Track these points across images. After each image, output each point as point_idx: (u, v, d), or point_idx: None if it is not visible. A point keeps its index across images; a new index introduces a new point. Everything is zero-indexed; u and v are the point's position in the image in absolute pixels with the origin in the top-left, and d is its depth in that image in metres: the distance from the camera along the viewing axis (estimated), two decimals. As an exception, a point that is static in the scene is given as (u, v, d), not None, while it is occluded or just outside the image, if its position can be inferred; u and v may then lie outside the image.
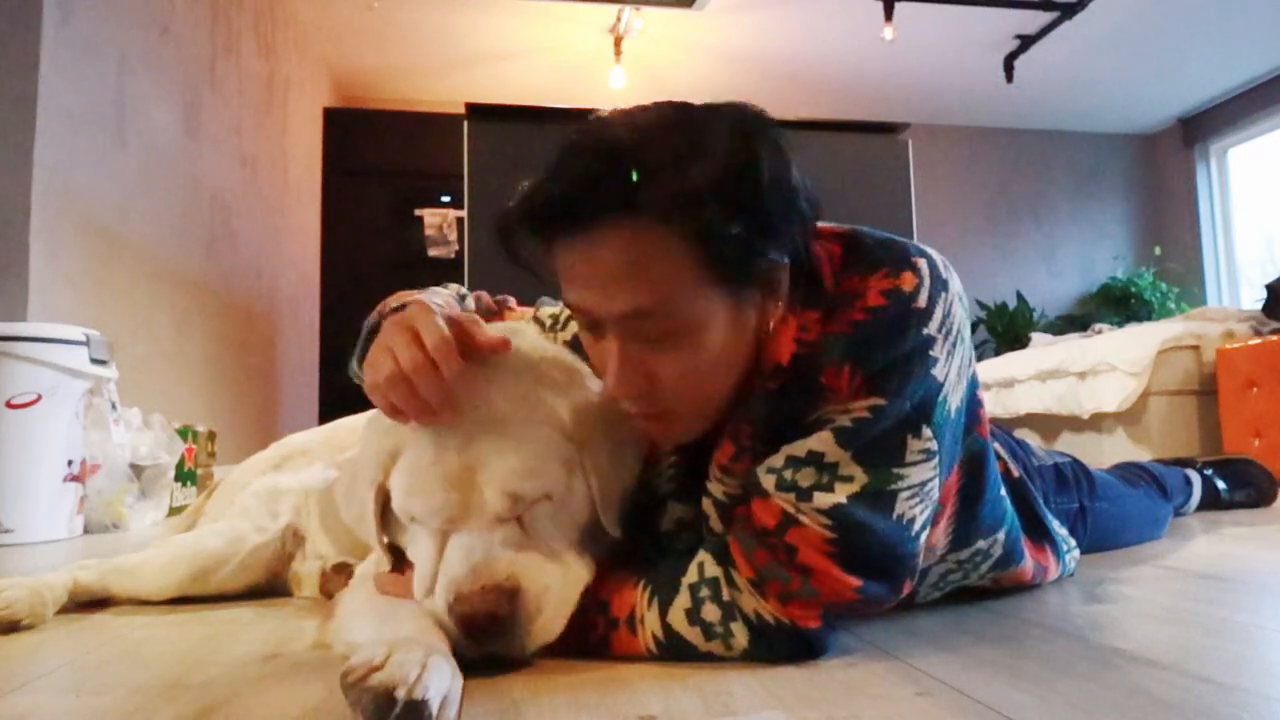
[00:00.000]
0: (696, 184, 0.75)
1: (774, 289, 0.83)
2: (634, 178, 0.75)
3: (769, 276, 0.82)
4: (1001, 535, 0.98)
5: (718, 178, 0.75)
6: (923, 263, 0.85)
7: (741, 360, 0.84)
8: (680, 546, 0.95)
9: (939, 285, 0.84)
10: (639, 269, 0.77)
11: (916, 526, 0.82)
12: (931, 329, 0.82)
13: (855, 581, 0.79)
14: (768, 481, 0.81)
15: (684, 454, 0.94)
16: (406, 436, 0.86)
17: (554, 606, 0.80)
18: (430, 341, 0.79)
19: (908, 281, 0.83)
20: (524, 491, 0.82)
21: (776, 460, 0.82)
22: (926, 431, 0.81)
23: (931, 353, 0.82)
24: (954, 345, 0.85)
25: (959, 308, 0.86)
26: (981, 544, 0.97)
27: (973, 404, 0.92)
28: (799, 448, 0.81)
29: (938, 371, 0.82)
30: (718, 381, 0.84)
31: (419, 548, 0.85)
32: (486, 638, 0.77)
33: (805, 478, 0.80)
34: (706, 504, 0.90)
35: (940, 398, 0.83)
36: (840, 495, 0.79)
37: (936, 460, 0.83)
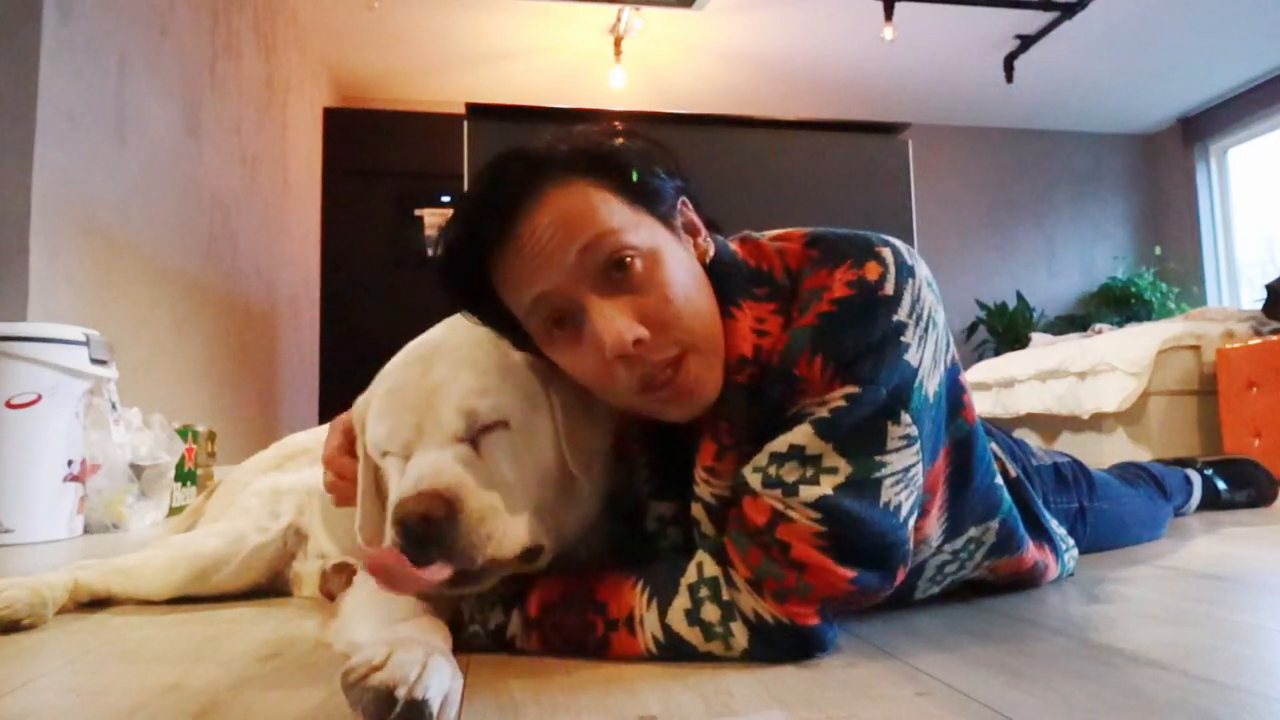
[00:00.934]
0: (589, 145, 0.87)
1: (691, 228, 0.91)
2: (541, 154, 0.85)
3: (678, 211, 0.90)
4: (995, 523, 0.99)
5: (598, 142, 0.88)
6: (886, 251, 0.86)
7: (705, 288, 0.88)
8: (665, 544, 0.95)
9: (905, 272, 0.85)
10: (582, 210, 0.83)
11: (904, 513, 0.83)
12: (901, 315, 0.83)
13: (849, 573, 0.79)
14: (754, 480, 0.82)
15: (656, 451, 0.95)
16: (381, 380, 0.90)
17: (500, 526, 0.80)
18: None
19: (872, 271, 0.84)
20: (479, 408, 0.83)
21: (760, 459, 0.83)
22: (905, 418, 0.82)
23: (903, 338, 0.83)
24: (926, 330, 0.85)
25: (928, 293, 0.87)
26: (974, 531, 0.98)
27: (954, 389, 0.93)
28: (780, 443, 0.82)
29: (911, 357, 0.83)
30: (699, 302, 0.86)
31: (391, 484, 0.86)
32: (425, 545, 0.76)
33: (790, 473, 0.80)
34: (696, 508, 0.90)
35: (916, 383, 0.83)
36: (826, 487, 0.79)
37: (918, 446, 0.83)
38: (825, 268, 0.87)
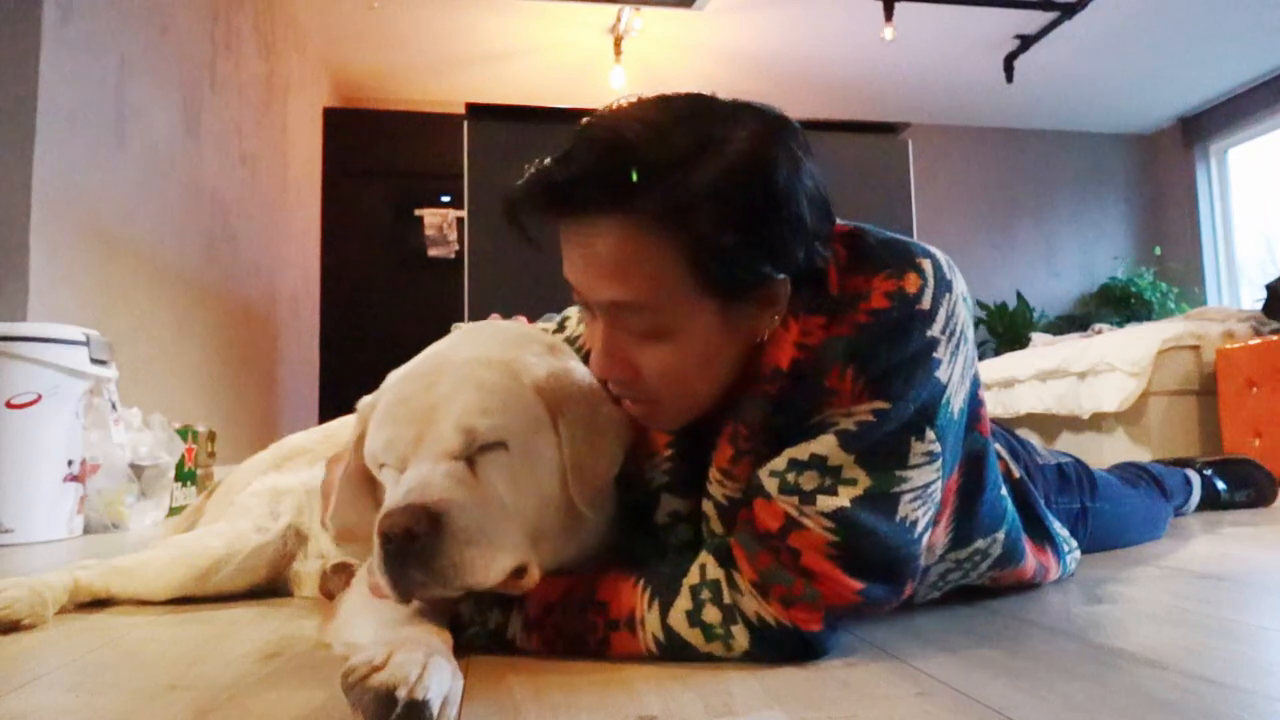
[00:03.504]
0: (695, 189, 0.75)
1: (771, 302, 0.82)
2: (633, 177, 0.75)
3: (765, 291, 0.81)
4: (1001, 535, 0.98)
5: (720, 185, 0.75)
6: (927, 264, 0.85)
7: (729, 365, 0.85)
8: (674, 540, 0.95)
9: (943, 286, 0.84)
10: (628, 265, 0.78)
11: (919, 529, 0.82)
12: (935, 331, 0.82)
13: (857, 584, 0.79)
14: (770, 484, 0.81)
15: (680, 446, 0.94)
16: (383, 391, 0.90)
17: (484, 551, 0.78)
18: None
19: (912, 283, 0.83)
20: (478, 427, 0.82)
21: (779, 463, 0.82)
22: (930, 434, 0.81)
23: (935, 355, 0.82)
24: (957, 347, 0.84)
25: (963, 309, 0.86)
26: (980, 543, 0.97)
27: (974, 403, 0.92)
28: (801, 451, 0.81)
29: (941, 374, 0.82)
30: (699, 383, 0.85)
31: (386, 498, 0.85)
32: (406, 561, 0.74)
33: (808, 481, 0.80)
34: (707, 505, 0.90)
35: (944, 400, 0.83)
36: (843, 499, 0.79)
37: (940, 462, 0.82)
38: (863, 274, 0.84)
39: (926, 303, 0.82)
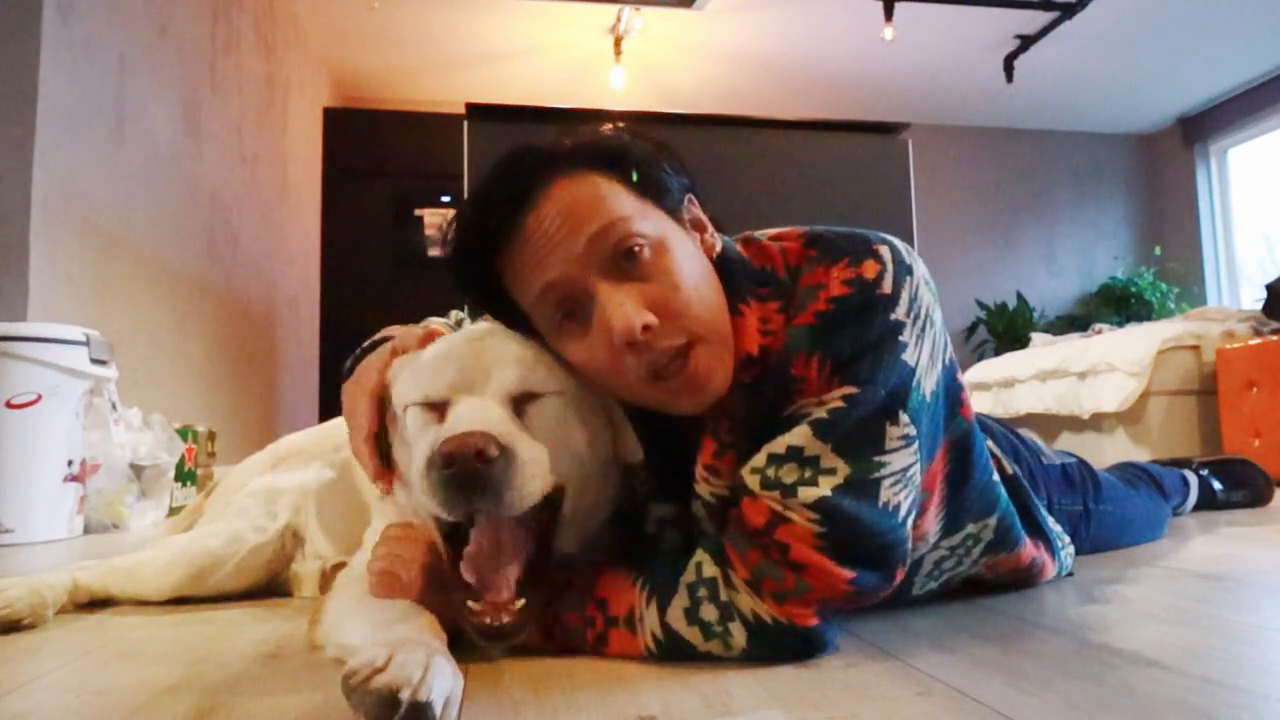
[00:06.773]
0: (597, 139, 0.89)
1: (695, 219, 0.92)
2: (552, 148, 0.87)
3: (683, 204, 0.91)
4: (993, 520, 0.98)
5: (606, 136, 0.91)
6: (884, 249, 0.86)
7: (712, 281, 0.88)
8: (665, 546, 0.95)
9: (903, 270, 0.85)
10: (591, 199, 0.84)
11: (903, 513, 0.82)
12: (899, 314, 0.83)
13: (848, 574, 0.79)
14: (752, 481, 0.82)
15: (654, 452, 0.95)
16: (415, 356, 0.90)
17: (539, 487, 0.79)
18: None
19: (870, 269, 0.84)
20: (534, 375, 0.85)
21: (759, 460, 0.83)
22: (904, 417, 0.82)
23: (901, 338, 0.83)
24: (923, 329, 0.85)
25: (925, 292, 0.87)
26: (971, 528, 0.97)
27: (951, 387, 0.92)
28: (779, 444, 0.82)
29: (909, 356, 0.83)
30: (707, 293, 0.86)
31: (420, 443, 0.82)
32: (469, 488, 0.74)
33: (788, 474, 0.80)
34: (696, 506, 0.91)
35: (914, 383, 0.83)
36: (824, 488, 0.79)
37: (916, 446, 0.83)
38: (822, 265, 0.87)
39: (887, 287, 0.83)
